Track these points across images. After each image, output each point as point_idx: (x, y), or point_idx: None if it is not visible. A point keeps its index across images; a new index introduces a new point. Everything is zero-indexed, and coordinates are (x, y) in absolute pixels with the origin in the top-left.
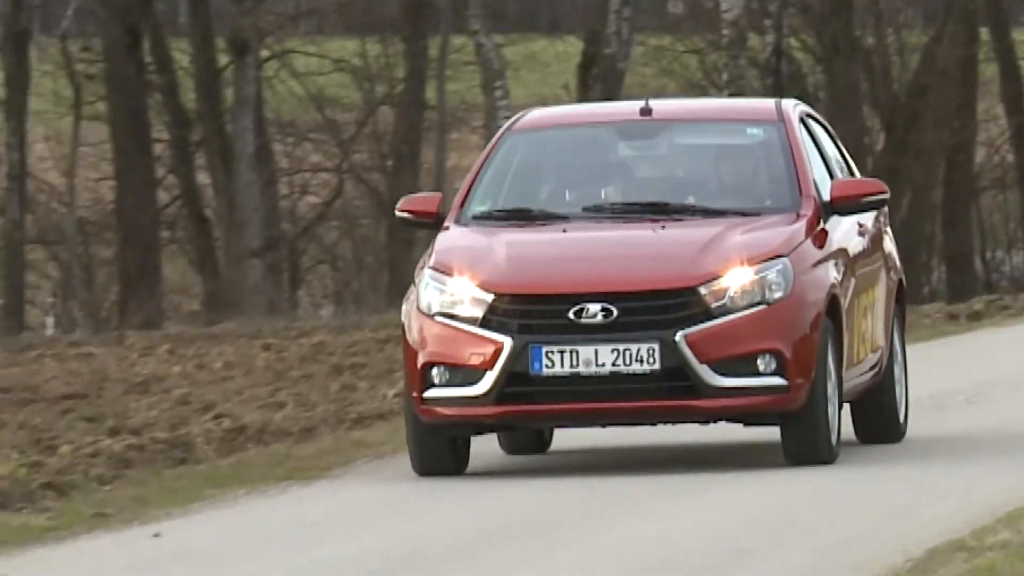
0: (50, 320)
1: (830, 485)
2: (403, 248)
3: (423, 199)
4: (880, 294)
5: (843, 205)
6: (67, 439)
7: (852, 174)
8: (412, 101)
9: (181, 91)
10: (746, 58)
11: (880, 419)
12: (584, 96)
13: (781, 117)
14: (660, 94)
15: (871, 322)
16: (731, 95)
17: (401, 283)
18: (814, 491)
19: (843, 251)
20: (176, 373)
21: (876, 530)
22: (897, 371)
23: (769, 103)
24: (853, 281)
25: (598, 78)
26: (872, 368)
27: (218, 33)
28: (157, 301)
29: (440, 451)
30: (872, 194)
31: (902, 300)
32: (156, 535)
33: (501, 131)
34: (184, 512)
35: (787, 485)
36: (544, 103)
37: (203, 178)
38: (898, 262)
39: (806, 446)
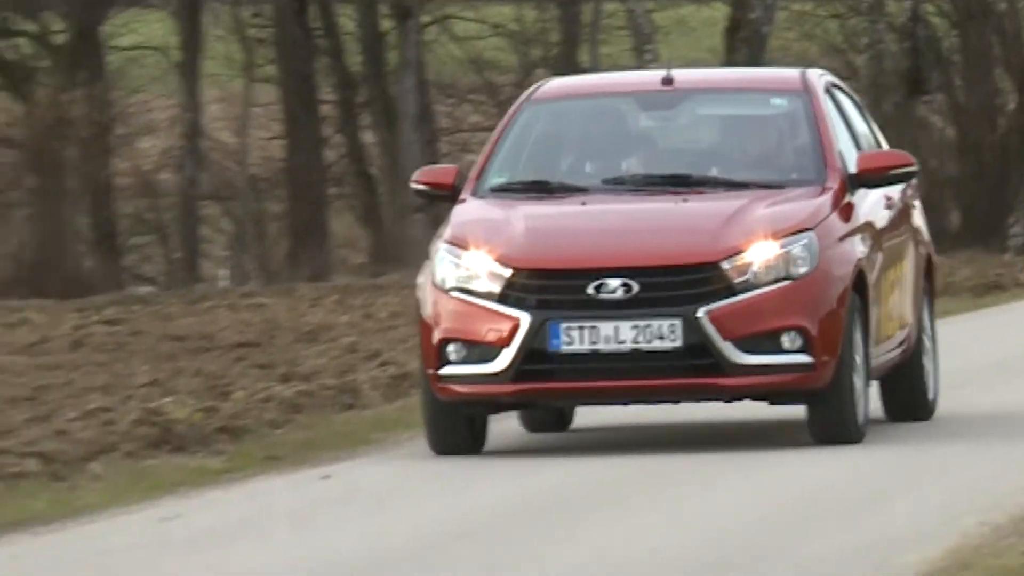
0: (224, 272)
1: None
2: None
3: (439, 171)
4: (908, 269)
5: (870, 178)
6: (240, 385)
7: (879, 147)
8: (566, 64)
9: (346, 55)
10: (884, 23)
11: (909, 396)
12: (730, 59)
13: (806, 87)
14: (803, 58)
15: (899, 297)
16: (870, 59)
17: None
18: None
19: (870, 225)
20: (343, 322)
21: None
22: (927, 347)
23: (794, 72)
24: (880, 255)
25: (743, 41)
26: (900, 344)
27: None
28: (325, 254)
29: (457, 430)
30: (900, 166)
31: (931, 275)
32: (325, 477)
33: (519, 101)
34: (351, 455)
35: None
36: (691, 66)
37: (368, 137)
38: (927, 236)
39: (833, 425)
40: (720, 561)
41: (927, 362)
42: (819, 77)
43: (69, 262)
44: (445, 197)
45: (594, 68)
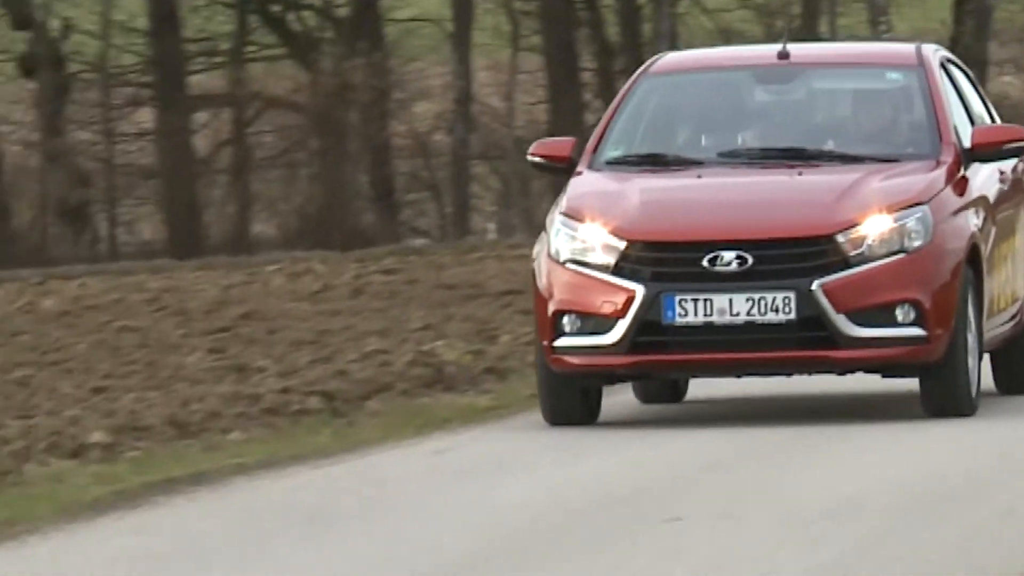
0: (492, 226)
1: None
2: None
3: (556, 144)
4: (1021, 242)
5: (984, 152)
6: (506, 330)
7: (992, 121)
8: (807, 33)
9: (606, 26)
10: None
11: (1021, 370)
12: (957, 31)
13: (921, 62)
14: None
15: (1011, 270)
16: None
17: None
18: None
19: (983, 199)
20: None
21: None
22: None
23: (909, 47)
24: (994, 229)
25: (971, 13)
26: (1013, 317)
27: None
28: None
29: (572, 400)
30: (1015, 140)
31: None
32: None
33: (636, 74)
34: (608, 390)
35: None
36: (921, 37)
37: None
38: None
39: (946, 398)
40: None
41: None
42: (934, 52)
43: (350, 217)
44: (562, 170)
45: (832, 38)
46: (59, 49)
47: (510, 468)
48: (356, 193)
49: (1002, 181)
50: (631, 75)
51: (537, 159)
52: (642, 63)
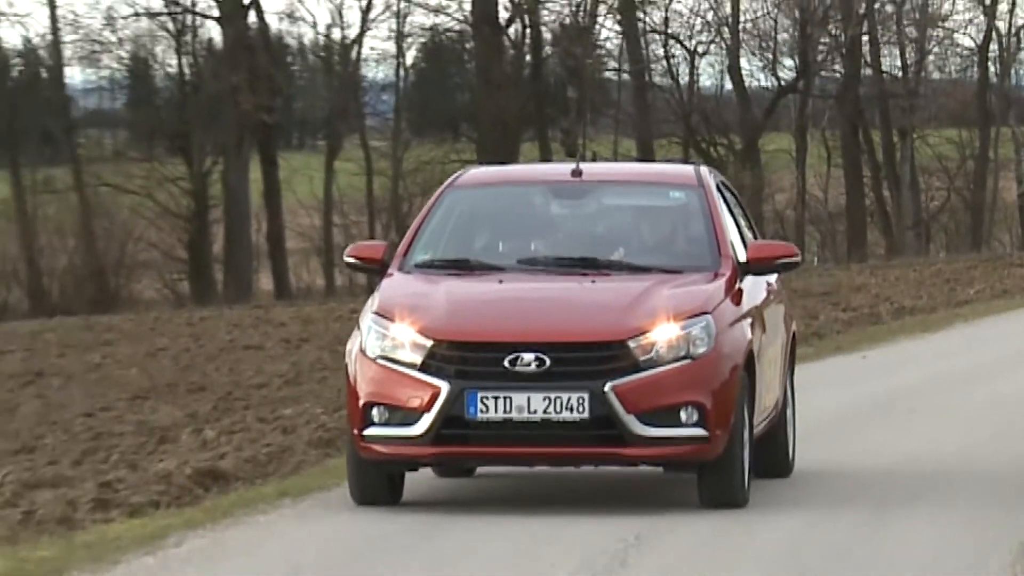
0: None
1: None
2: None
3: (368, 247)
4: (779, 345)
5: (758, 266)
6: None
7: (755, 238)
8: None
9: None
10: None
11: (774, 457)
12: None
13: (700, 182)
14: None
15: (773, 372)
16: None
17: None
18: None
19: (756, 308)
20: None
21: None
22: (788, 413)
23: (689, 169)
24: (763, 336)
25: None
26: (772, 412)
27: None
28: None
29: (378, 485)
30: (786, 256)
31: (793, 349)
32: (863, 356)
33: (442, 188)
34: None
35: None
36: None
37: None
38: (792, 315)
39: (723, 492)
40: None
41: (789, 427)
42: (711, 173)
43: None
44: (374, 270)
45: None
46: None
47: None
48: None
49: (768, 292)
50: None
51: (351, 260)
52: None
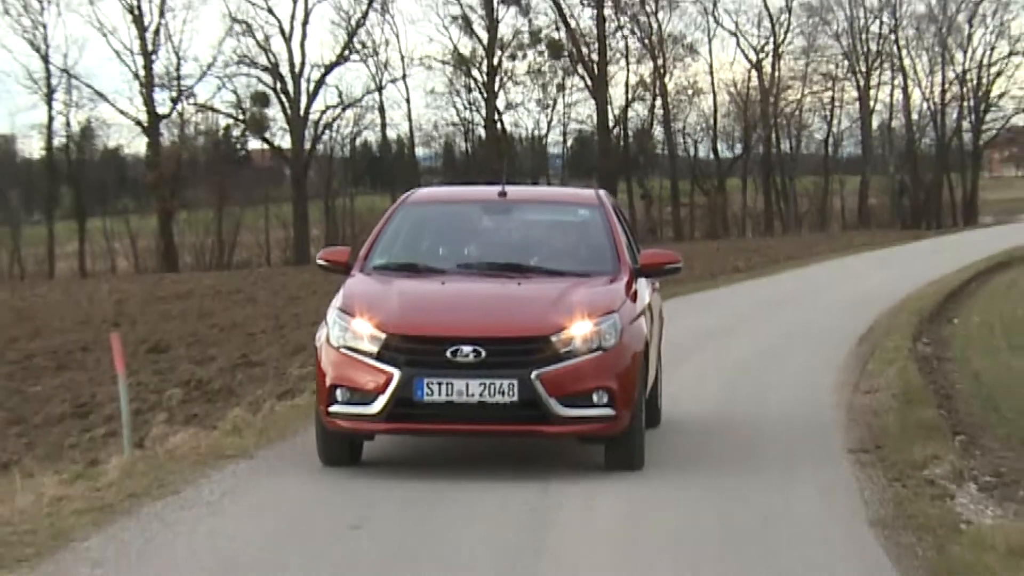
0: None
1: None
2: None
3: (336, 251)
4: (657, 329)
5: (649, 271)
6: None
7: (636, 246)
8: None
9: None
10: None
11: (650, 412)
12: None
13: (601, 203)
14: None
15: (654, 353)
16: None
17: None
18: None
19: (648, 306)
20: None
21: None
22: (660, 380)
23: (591, 192)
24: (651, 327)
25: None
26: (653, 380)
27: None
28: None
29: (340, 450)
30: (672, 263)
31: (662, 328)
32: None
33: (395, 204)
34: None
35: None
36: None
37: None
38: (662, 302)
39: (625, 459)
40: None
41: (659, 388)
42: (606, 196)
43: None
44: (341, 271)
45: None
46: None
47: None
48: None
49: (651, 288)
50: None
51: (322, 262)
52: None
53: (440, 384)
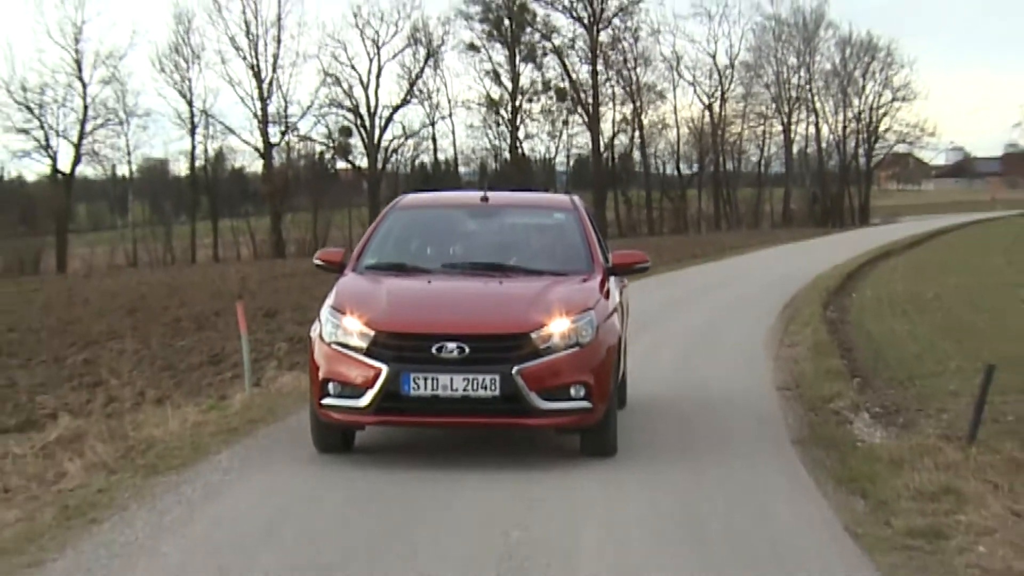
0: None
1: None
2: None
3: (331, 252)
4: (626, 323)
5: (620, 270)
6: None
7: (605, 246)
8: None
9: None
10: None
11: (619, 397)
12: None
13: (575, 207)
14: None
15: (623, 344)
16: None
17: None
18: None
19: (620, 303)
20: None
21: None
22: (624, 366)
23: (566, 197)
24: (623, 322)
25: None
26: (622, 370)
27: None
28: None
29: (334, 438)
30: (641, 263)
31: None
32: None
33: (387, 209)
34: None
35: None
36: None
37: None
38: (628, 297)
39: (600, 447)
40: None
41: (625, 375)
42: (579, 200)
43: None
44: (336, 270)
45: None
46: None
47: None
48: None
49: (620, 286)
50: None
51: (319, 262)
52: None
53: (426, 379)
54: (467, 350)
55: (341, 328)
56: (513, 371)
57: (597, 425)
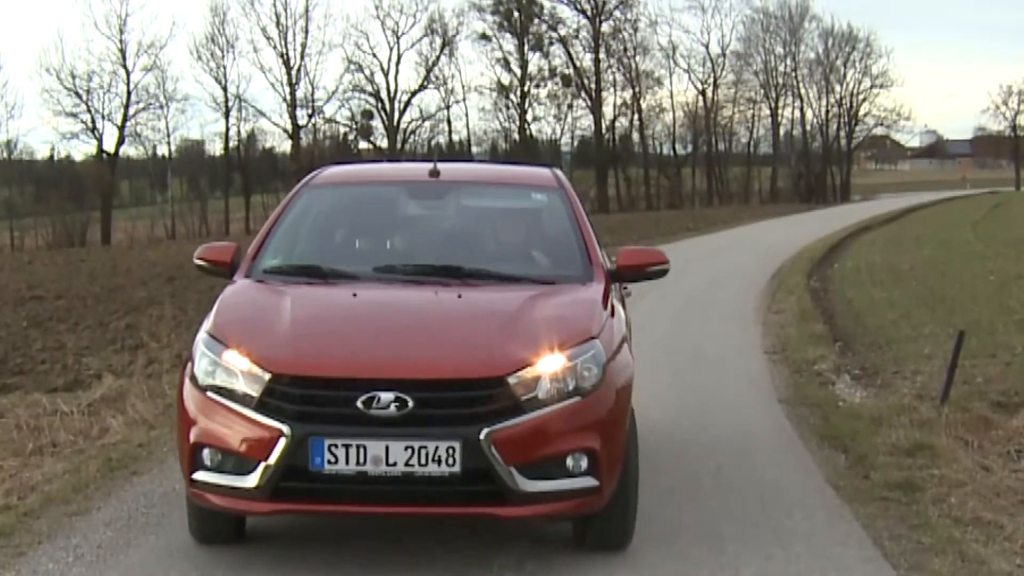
0: None
1: None
2: None
3: (218, 248)
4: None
5: (628, 274)
6: None
7: (597, 239)
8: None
9: None
10: None
11: None
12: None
13: (560, 184)
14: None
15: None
16: None
17: None
18: None
19: (627, 322)
20: None
21: None
22: None
23: (545, 170)
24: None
25: None
26: None
27: None
28: None
29: (215, 525)
30: (657, 264)
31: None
32: None
33: (298, 187)
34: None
35: None
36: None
37: None
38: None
39: (607, 536)
40: None
41: None
42: (563, 176)
43: None
44: (225, 274)
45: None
46: None
47: None
48: None
49: (624, 296)
50: None
51: (201, 263)
52: None
53: (348, 448)
54: (410, 403)
55: (221, 367)
56: (481, 435)
57: (605, 511)
